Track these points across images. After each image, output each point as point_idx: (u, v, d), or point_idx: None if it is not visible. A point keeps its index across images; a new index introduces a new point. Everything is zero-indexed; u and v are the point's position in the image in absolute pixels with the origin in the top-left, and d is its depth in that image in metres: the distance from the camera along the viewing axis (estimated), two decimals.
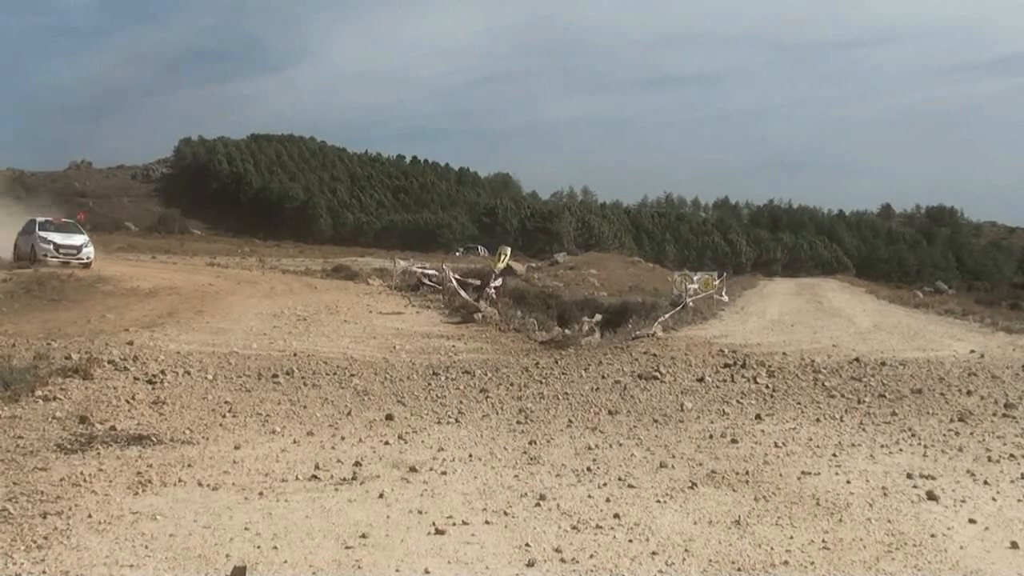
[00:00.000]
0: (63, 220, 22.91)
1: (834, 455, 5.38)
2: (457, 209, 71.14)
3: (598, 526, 4.02)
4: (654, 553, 3.71)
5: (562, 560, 3.62)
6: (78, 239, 20.68)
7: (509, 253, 18.30)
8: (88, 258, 20.29)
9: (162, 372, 7.49)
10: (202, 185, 67.88)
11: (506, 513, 4.18)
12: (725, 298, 20.46)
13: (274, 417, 6.24)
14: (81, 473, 4.66)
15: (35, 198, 42.86)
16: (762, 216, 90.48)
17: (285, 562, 3.54)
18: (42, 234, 20.36)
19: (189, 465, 4.90)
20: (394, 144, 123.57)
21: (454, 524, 4.00)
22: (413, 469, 4.90)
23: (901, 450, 5.55)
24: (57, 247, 19.93)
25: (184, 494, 4.40)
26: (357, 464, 4.96)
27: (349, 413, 6.43)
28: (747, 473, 4.95)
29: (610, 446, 5.56)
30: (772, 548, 3.79)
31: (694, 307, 16.16)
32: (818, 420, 6.42)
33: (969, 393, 7.41)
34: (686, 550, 3.75)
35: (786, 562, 3.64)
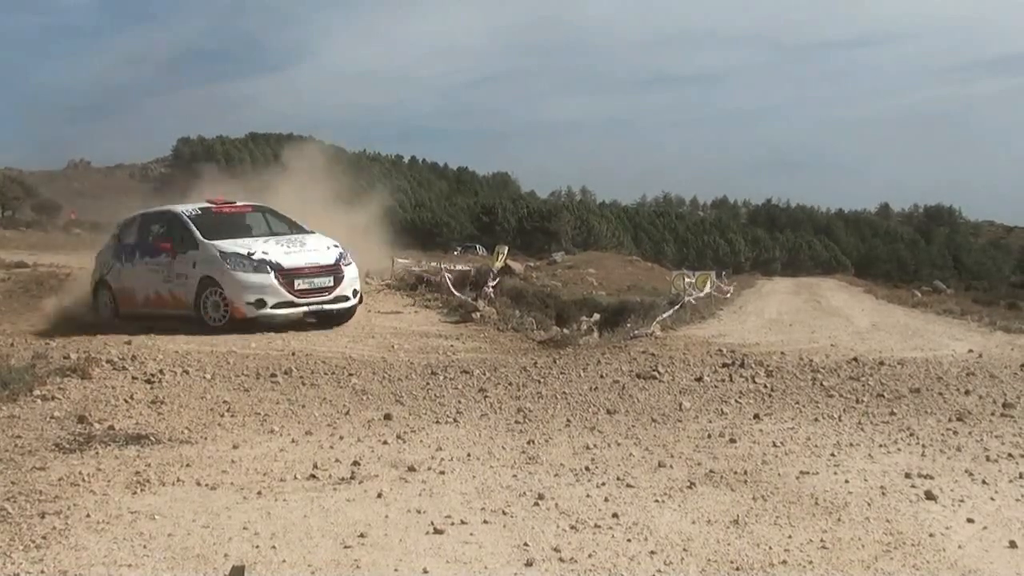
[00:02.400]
0: (248, 206, 11.25)
1: (832, 455, 5.38)
2: (455, 208, 71.13)
3: (596, 525, 4.02)
4: (653, 552, 3.71)
5: (561, 560, 3.62)
6: (316, 249, 10.14)
7: (507, 252, 18.30)
8: (350, 299, 10.24)
9: (160, 371, 7.49)
10: None
11: (504, 513, 4.18)
12: (724, 293, 20.54)
13: (272, 417, 6.24)
14: (79, 472, 4.66)
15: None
16: (760, 215, 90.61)
17: (284, 561, 3.53)
18: (215, 246, 9.81)
19: (187, 464, 4.90)
20: (394, 144, 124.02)
21: (452, 524, 4.00)
22: (411, 468, 4.89)
23: (899, 449, 5.56)
24: (284, 275, 9.53)
25: (182, 493, 4.40)
26: (355, 463, 4.96)
27: (347, 413, 6.43)
28: (745, 473, 4.95)
29: (608, 446, 5.56)
30: (771, 547, 3.79)
31: (693, 306, 16.16)
32: (816, 420, 6.42)
33: (967, 393, 7.41)
34: (684, 549, 3.75)
35: (784, 561, 3.64)
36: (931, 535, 3.99)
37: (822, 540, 3.88)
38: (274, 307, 9.60)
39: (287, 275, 9.55)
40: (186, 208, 10.96)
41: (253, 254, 9.75)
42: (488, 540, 3.82)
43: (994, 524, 4.16)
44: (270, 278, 9.44)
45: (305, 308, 9.81)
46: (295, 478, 4.70)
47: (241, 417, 6.18)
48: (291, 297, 9.61)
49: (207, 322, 9.78)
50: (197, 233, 10.16)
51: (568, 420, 6.31)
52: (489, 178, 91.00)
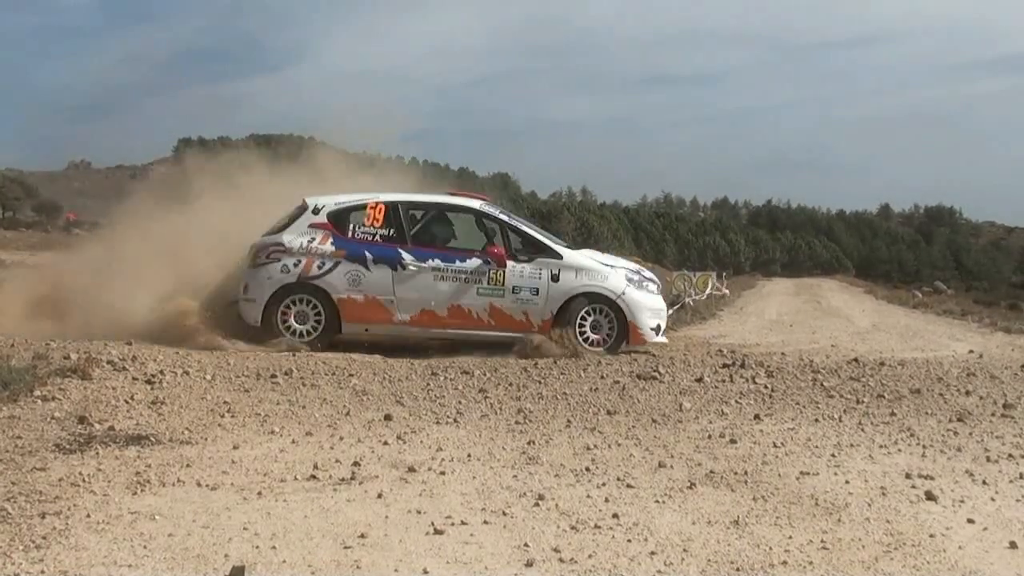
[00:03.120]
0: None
1: (833, 455, 5.38)
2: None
3: (597, 526, 4.02)
4: (653, 553, 3.71)
5: (561, 560, 3.62)
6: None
7: None
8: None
9: (160, 372, 7.48)
10: None
11: (505, 513, 4.18)
12: (724, 292, 20.59)
13: (273, 417, 6.24)
14: (80, 473, 4.66)
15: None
16: (761, 216, 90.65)
17: (284, 562, 3.53)
18: (594, 258, 9.02)
19: (188, 465, 4.90)
20: (394, 144, 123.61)
21: (453, 524, 4.00)
22: (412, 469, 4.89)
23: (900, 450, 5.56)
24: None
25: (183, 494, 4.40)
26: (356, 464, 4.96)
27: (348, 413, 6.43)
28: (746, 473, 4.95)
29: (609, 446, 5.56)
30: (771, 548, 3.79)
31: (693, 307, 16.17)
32: (817, 420, 6.42)
33: (968, 393, 7.41)
34: (685, 550, 3.75)
35: (785, 562, 3.64)
36: (931, 536, 3.99)
37: (822, 541, 3.88)
38: (662, 333, 8.65)
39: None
40: (481, 203, 9.15)
41: (640, 271, 8.80)
42: (488, 540, 3.82)
43: (994, 525, 4.16)
44: (662, 300, 8.57)
45: (663, 337, 8.56)
46: (295, 479, 4.70)
47: (241, 418, 6.18)
48: (665, 322, 8.65)
49: (576, 346, 8.48)
50: (548, 240, 8.73)
51: (568, 421, 6.31)
52: (489, 178, 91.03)
